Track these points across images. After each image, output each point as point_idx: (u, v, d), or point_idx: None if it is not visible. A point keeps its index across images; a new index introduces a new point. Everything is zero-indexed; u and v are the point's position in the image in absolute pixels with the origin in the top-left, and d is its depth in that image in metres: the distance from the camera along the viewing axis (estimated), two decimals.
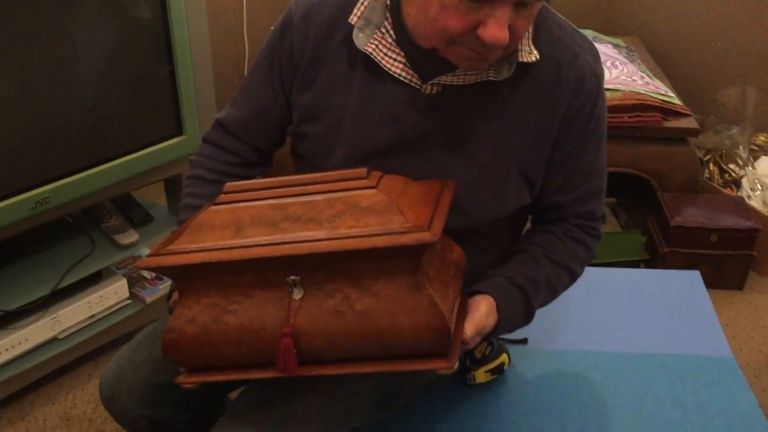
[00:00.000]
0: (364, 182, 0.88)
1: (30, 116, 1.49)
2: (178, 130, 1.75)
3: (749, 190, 2.39)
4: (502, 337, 1.32)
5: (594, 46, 1.05)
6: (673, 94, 2.27)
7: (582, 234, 1.11)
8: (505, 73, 0.97)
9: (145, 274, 1.94)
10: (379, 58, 1.00)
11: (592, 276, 1.44)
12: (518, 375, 1.32)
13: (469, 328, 0.93)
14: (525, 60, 0.97)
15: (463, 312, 0.95)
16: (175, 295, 0.98)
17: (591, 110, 1.03)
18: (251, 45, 2.60)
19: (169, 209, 1.95)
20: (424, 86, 1.00)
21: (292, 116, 1.11)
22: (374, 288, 0.84)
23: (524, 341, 1.41)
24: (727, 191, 2.40)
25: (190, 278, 0.88)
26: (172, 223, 1.91)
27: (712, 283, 1.90)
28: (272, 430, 0.98)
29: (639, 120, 2.17)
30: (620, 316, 1.50)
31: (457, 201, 1.02)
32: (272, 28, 1.11)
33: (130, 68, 1.64)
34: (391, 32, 1.00)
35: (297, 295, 0.86)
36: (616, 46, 2.55)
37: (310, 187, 0.89)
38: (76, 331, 1.75)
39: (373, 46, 1.00)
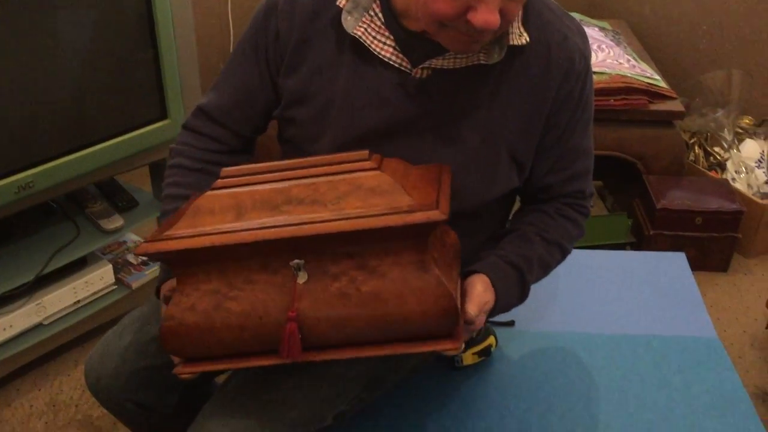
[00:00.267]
0: (366, 164, 0.86)
1: (13, 100, 1.47)
2: (163, 114, 1.73)
3: (734, 173, 2.40)
4: (489, 319, 1.33)
5: (582, 28, 1.05)
6: (658, 77, 2.28)
7: (572, 212, 1.11)
8: (496, 56, 0.97)
9: (131, 259, 1.93)
10: (368, 42, 0.99)
11: (578, 258, 1.45)
12: (505, 357, 1.33)
13: (471, 307, 0.92)
14: (516, 43, 0.97)
15: (461, 294, 0.95)
16: (170, 283, 0.97)
17: (581, 93, 1.03)
18: (236, 29, 2.58)
19: (154, 194, 1.94)
20: (414, 70, 0.99)
21: (279, 101, 1.10)
22: (380, 269, 0.83)
23: (511, 323, 1.41)
24: (712, 174, 2.42)
25: (189, 264, 0.86)
26: (158, 207, 1.90)
27: (697, 265, 1.91)
28: (260, 414, 0.98)
29: (625, 103, 2.17)
30: (606, 298, 1.51)
31: None
32: (256, 10, 1.09)
33: (114, 52, 1.62)
34: (380, 15, 0.99)
35: (301, 279, 0.84)
36: (602, 29, 2.55)
37: (312, 170, 0.87)
38: (62, 317, 1.74)
39: (362, 30, 0.99)
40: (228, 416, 0.98)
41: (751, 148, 2.45)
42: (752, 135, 2.53)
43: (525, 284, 1.05)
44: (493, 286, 0.99)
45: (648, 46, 2.66)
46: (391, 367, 1.12)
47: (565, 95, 1.02)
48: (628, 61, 2.30)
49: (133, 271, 1.89)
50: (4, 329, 1.62)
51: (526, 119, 1.02)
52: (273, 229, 0.82)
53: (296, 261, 0.84)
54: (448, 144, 1.02)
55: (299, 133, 1.08)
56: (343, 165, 0.87)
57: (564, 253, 1.11)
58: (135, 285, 1.85)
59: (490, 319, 1.34)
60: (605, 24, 2.64)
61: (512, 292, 1.03)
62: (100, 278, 1.79)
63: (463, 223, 1.03)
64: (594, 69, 2.18)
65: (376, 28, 0.99)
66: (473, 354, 1.29)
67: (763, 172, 2.37)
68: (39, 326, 1.70)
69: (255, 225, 0.83)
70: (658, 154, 2.26)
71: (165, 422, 1.15)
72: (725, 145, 2.49)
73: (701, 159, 2.51)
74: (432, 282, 0.83)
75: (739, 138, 2.52)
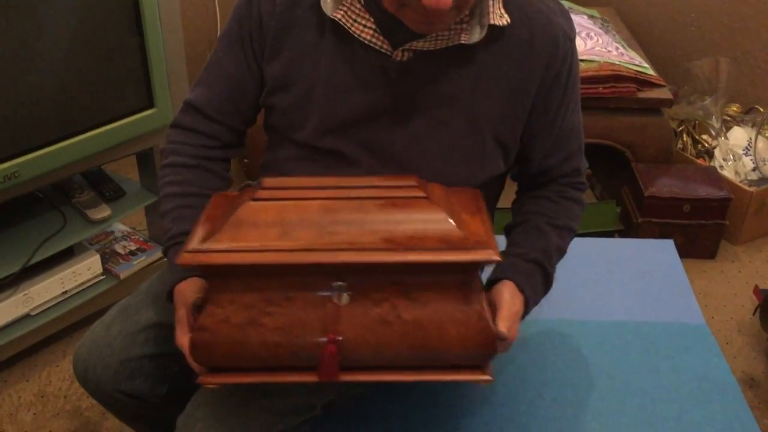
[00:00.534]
0: (415, 191, 0.87)
1: None
2: (149, 103, 1.72)
3: (722, 160, 2.41)
4: None
5: (565, 8, 1.04)
6: (647, 65, 2.28)
7: (572, 191, 1.12)
8: (477, 36, 0.96)
9: (119, 249, 1.91)
10: (348, 24, 0.98)
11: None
12: None
13: (502, 324, 0.92)
14: (496, 23, 0.96)
15: (488, 307, 0.94)
16: (191, 287, 0.94)
17: (568, 74, 1.03)
18: (223, 16, 2.55)
19: (141, 183, 1.92)
20: (395, 52, 0.98)
21: None
22: (423, 298, 0.84)
23: None
24: (700, 161, 2.43)
25: (227, 276, 0.84)
26: (145, 197, 1.89)
27: (685, 252, 1.92)
28: (249, 404, 0.98)
29: (614, 91, 2.17)
30: (595, 285, 1.51)
31: (432, 170, 1.01)
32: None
33: (100, 40, 1.60)
34: None
35: (342, 301, 0.84)
36: (591, 17, 2.55)
37: (359, 191, 0.87)
38: (49, 308, 1.73)
39: (342, 12, 0.97)
40: (217, 406, 0.98)
41: (738, 135, 2.46)
42: (740, 122, 2.54)
43: (548, 277, 1.05)
44: (521, 290, 0.98)
45: (636, 34, 2.66)
46: None
47: (553, 78, 1.02)
48: (617, 48, 2.29)
49: (120, 261, 1.88)
50: None
51: (510, 101, 1.01)
52: (322, 253, 0.81)
53: (338, 283, 0.84)
54: (432, 128, 1.01)
55: (283, 120, 1.07)
56: (391, 189, 0.87)
57: (573, 233, 1.12)
58: (123, 275, 1.84)
59: None
60: (594, 12, 2.63)
61: (539, 290, 1.03)
62: (87, 268, 1.77)
63: None
64: (583, 57, 2.20)
65: (357, 11, 0.97)
66: None
67: (751, 160, 2.39)
68: (26, 317, 1.69)
69: (302, 246, 0.82)
70: (646, 142, 2.26)
71: (154, 412, 1.15)
72: (713, 133, 2.50)
73: (689, 147, 2.51)
74: (474, 316, 0.85)
75: (727, 126, 2.53)
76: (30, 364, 1.77)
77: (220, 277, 0.85)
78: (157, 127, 1.74)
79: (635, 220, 2.22)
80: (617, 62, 2.19)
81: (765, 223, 2.35)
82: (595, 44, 2.29)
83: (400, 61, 0.99)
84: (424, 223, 0.84)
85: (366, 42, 0.98)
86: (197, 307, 0.90)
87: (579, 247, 1.61)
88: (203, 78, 1.10)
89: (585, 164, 1.14)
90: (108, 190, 1.85)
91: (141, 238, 1.97)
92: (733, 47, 2.67)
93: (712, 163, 2.42)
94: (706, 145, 2.50)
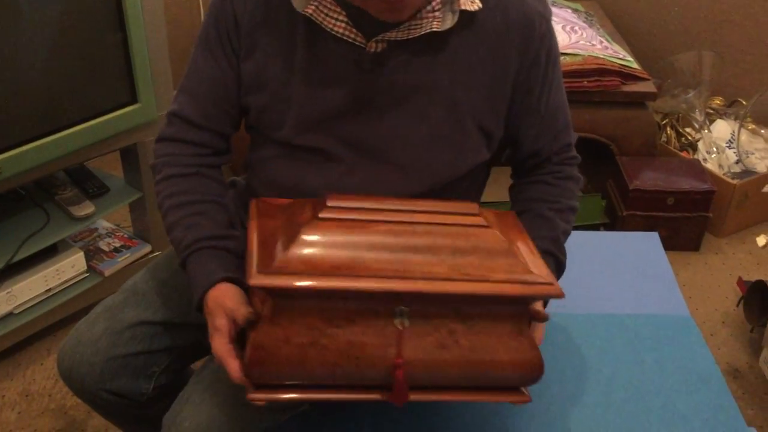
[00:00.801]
0: (478, 219, 0.89)
1: None
2: (133, 98, 1.70)
3: (705, 153, 2.43)
4: None
5: None
6: (631, 59, 2.29)
7: (567, 168, 1.12)
8: (449, 22, 0.95)
9: (103, 246, 1.90)
10: (320, 19, 0.97)
11: None
12: None
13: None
14: (467, 8, 0.95)
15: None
16: (236, 297, 0.91)
17: (547, 54, 1.03)
18: (206, 11, 2.54)
19: (125, 180, 1.91)
20: (369, 44, 0.97)
21: None
22: (479, 325, 0.87)
23: None
24: (684, 154, 2.44)
25: (290, 297, 0.83)
26: (129, 193, 1.87)
27: (669, 244, 1.93)
28: (235, 400, 0.97)
29: (598, 84, 2.18)
30: (581, 278, 1.51)
31: (415, 161, 1.01)
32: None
33: (82, 35, 1.58)
34: None
35: (403, 325, 0.85)
36: (575, 10, 2.55)
37: (424, 216, 0.88)
38: (33, 306, 1.71)
39: (313, 8, 0.96)
40: (204, 402, 0.98)
41: (722, 128, 2.48)
42: (723, 115, 2.55)
43: (561, 265, 1.07)
44: None
45: (620, 28, 2.67)
46: None
47: (532, 60, 1.01)
48: (601, 42, 2.30)
49: (105, 258, 1.87)
50: None
51: (488, 86, 1.01)
52: (396, 281, 0.82)
53: (401, 308, 0.85)
54: (412, 118, 1.01)
55: (261, 120, 1.05)
56: (455, 216, 0.89)
57: (576, 212, 1.13)
58: (107, 272, 1.83)
59: None
60: (578, 6, 2.64)
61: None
62: (71, 266, 1.76)
63: None
64: (567, 50, 2.21)
65: (328, 5, 0.96)
66: None
67: (734, 152, 2.40)
68: (9, 315, 1.68)
69: (374, 273, 0.83)
70: (630, 135, 2.27)
71: (139, 410, 1.14)
72: (696, 126, 2.51)
73: (673, 140, 2.53)
74: (526, 344, 0.89)
75: (710, 119, 2.54)
76: (14, 363, 1.76)
77: (285, 298, 0.83)
78: (141, 122, 1.73)
79: (620, 213, 2.23)
80: (601, 56, 2.20)
81: (748, 215, 2.37)
82: (580, 38, 2.29)
83: (375, 53, 0.98)
84: (489, 254, 0.87)
85: (339, 35, 0.97)
86: (250, 323, 0.87)
87: None
88: (185, 86, 1.07)
89: (574, 137, 1.14)
90: (91, 187, 1.84)
91: (125, 235, 1.96)
92: (716, 41, 2.68)
93: (695, 156, 2.43)
94: (690, 138, 2.52)
